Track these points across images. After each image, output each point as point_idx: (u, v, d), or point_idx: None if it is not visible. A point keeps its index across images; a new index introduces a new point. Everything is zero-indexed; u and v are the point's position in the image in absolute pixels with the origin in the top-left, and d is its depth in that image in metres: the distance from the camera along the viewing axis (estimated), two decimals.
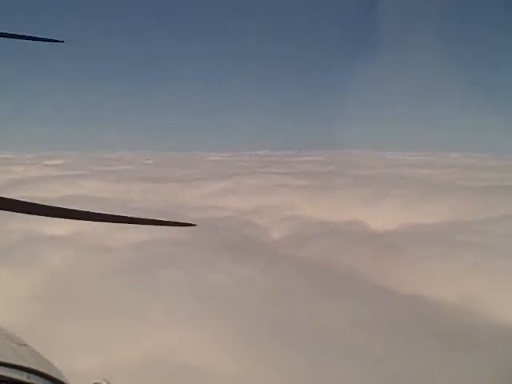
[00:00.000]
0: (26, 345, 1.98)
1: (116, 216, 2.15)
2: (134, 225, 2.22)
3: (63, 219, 2.21)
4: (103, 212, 2.12)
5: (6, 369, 1.71)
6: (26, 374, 1.75)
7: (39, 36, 2.91)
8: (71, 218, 2.20)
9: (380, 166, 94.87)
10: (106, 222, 2.19)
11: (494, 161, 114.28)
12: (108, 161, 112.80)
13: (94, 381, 2.01)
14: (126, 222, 2.15)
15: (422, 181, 62.56)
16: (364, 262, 28.86)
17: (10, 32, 2.62)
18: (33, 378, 1.76)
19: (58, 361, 2.04)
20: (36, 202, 2.08)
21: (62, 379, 1.90)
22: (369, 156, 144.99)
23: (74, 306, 20.06)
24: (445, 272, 27.10)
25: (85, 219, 2.18)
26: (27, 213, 2.05)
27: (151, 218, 2.20)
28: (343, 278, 26.83)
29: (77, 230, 28.72)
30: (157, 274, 23.16)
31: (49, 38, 3.00)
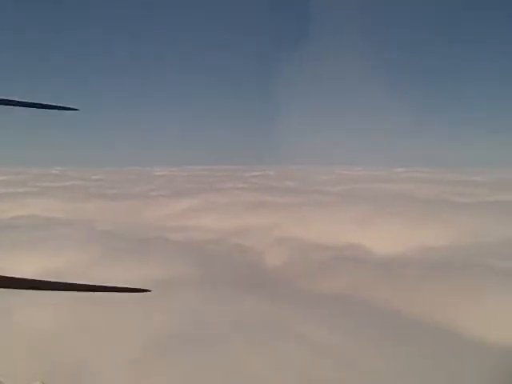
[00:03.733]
0: None
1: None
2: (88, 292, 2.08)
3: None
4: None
5: None
6: None
7: None
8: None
9: (343, 182, 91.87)
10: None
11: (443, 175, 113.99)
12: (50, 176, 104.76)
13: (31, 383, 2.39)
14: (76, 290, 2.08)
15: (401, 197, 59.39)
16: (393, 295, 24.63)
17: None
18: None
19: None
20: None
21: None
22: (315, 171, 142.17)
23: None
24: (487, 305, 23.25)
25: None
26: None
27: None
28: (378, 316, 22.41)
29: (48, 266, 22.75)
30: (163, 326, 17.73)
31: None
